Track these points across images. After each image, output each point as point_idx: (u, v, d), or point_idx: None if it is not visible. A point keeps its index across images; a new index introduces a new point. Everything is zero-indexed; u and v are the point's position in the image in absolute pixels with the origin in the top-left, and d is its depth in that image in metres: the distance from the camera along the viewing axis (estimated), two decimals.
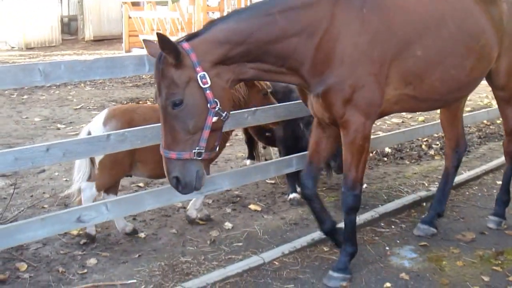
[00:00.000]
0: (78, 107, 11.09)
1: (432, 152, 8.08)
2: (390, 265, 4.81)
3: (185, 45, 3.69)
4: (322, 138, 4.58)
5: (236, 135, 8.60)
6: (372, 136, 6.88)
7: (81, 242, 5.17)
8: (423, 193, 6.24)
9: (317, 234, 5.18)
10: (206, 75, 3.69)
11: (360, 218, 5.51)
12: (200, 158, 3.77)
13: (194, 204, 5.47)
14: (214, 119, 3.76)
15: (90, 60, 4.06)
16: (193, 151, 3.74)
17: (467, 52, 4.52)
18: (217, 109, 3.74)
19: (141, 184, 6.52)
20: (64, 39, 24.35)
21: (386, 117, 9.89)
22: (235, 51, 3.79)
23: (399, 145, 8.12)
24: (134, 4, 21.08)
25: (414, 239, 5.26)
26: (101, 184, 5.00)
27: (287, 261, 4.82)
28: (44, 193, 6.45)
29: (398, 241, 5.24)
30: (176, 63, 3.61)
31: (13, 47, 22.84)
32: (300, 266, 4.75)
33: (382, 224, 5.61)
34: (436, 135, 8.27)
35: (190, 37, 3.78)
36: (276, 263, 4.78)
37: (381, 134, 7.79)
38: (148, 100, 11.65)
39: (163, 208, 5.77)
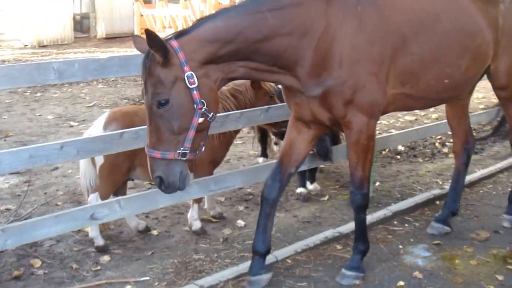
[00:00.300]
0: (90, 104, 11.13)
1: (445, 150, 8.04)
2: (404, 263, 4.79)
3: (174, 43, 3.58)
4: (296, 140, 4.43)
5: (249, 133, 8.60)
6: (385, 134, 6.99)
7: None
8: (436, 191, 6.21)
9: (330, 232, 5.19)
10: (194, 75, 3.59)
11: (373, 216, 5.50)
12: (184, 159, 3.69)
13: (192, 216, 5.36)
14: (200, 120, 3.66)
15: (104, 58, 4.06)
16: (178, 151, 3.64)
17: (462, 51, 4.48)
18: (203, 110, 3.64)
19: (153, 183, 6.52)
20: (76, 37, 24.38)
21: (399, 115, 9.87)
22: (224, 49, 3.70)
23: (412, 143, 8.08)
24: (146, 1, 21.17)
25: (428, 238, 5.24)
26: (104, 193, 4.94)
27: (300, 259, 4.82)
28: (57, 190, 6.48)
29: (411, 240, 5.22)
30: (164, 61, 3.52)
31: (26, 45, 22.92)
32: (313, 264, 4.75)
33: (395, 222, 5.59)
34: (449, 133, 8.19)
35: (178, 35, 3.67)
36: (289, 261, 4.78)
37: (394, 132, 7.76)
38: None
39: (176, 206, 5.78)
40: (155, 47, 3.47)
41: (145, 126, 4.33)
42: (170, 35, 3.72)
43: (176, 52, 3.55)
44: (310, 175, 6.26)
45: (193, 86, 3.59)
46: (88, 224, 4.41)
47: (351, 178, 4.35)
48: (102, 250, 4.96)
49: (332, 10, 3.92)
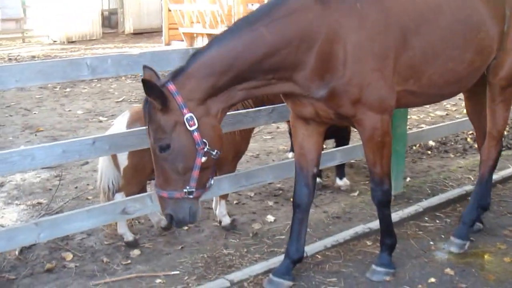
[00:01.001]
0: (119, 100, 11.22)
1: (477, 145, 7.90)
2: (435, 260, 4.73)
3: (171, 87, 3.55)
4: (305, 141, 4.35)
5: (278, 127, 8.59)
6: (415, 130, 6.90)
7: None
8: (468, 187, 6.12)
9: (361, 228, 5.15)
10: (193, 117, 3.58)
11: (404, 212, 5.45)
12: (191, 197, 3.74)
13: (221, 212, 5.35)
14: (203, 159, 3.66)
15: (136, 54, 4.09)
16: (184, 190, 3.67)
17: (465, 44, 4.37)
18: (205, 149, 3.64)
19: None
20: (104, 33, 24.64)
21: (430, 110, 9.76)
22: (221, 80, 3.66)
23: (443, 138, 7.98)
24: None
25: None
26: (129, 194, 4.88)
27: (330, 255, 4.79)
28: (88, 184, 6.54)
29: (442, 236, 5.14)
30: (162, 108, 3.54)
31: (55, 41, 23.20)
32: (343, 260, 4.72)
33: (426, 218, 5.52)
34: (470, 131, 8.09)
35: (175, 75, 3.63)
36: (319, 256, 4.75)
37: (424, 127, 7.68)
38: None
39: (206, 201, 5.78)
40: (153, 95, 3.49)
41: None
42: (168, 75, 3.68)
43: (174, 96, 3.54)
44: (339, 170, 6.23)
45: (193, 128, 3.59)
46: (120, 218, 4.45)
47: (371, 176, 4.29)
48: (132, 245, 4.98)
49: (330, 12, 3.83)
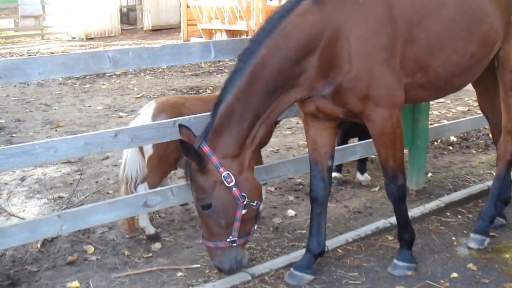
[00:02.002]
0: (139, 95, 11.25)
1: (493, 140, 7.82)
2: (457, 255, 4.69)
3: (205, 148, 3.77)
4: (317, 134, 4.33)
5: (297, 123, 8.56)
6: (437, 124, 6.83)
7: None
8: (490, 183, 6.01)
9: (382, 223, 5.12)
10: (230, 174, 3.80)
11: (426, 207, 5.41)
12: (235, 245, 3.94)
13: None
14: (244, 211, 3.87)
15: (157, 47, 4.10)
16: (228, 240, 3.90)
17: (469, 36, 4.32)
18: (245, 202, 3.85)
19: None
20: (123, 29, 24.74)
21: (451, 105, 9.68)
22: (244, 124, 3.81)
23: (465, 134, 7.91)
24: None
25: None
26: (152, 183, 4.93)
27: (351, 249, 4.77)
28: (108, 179, 6.56)
29: (464, 231, 5.10)
30: (201, 169, 3.74)
31: (74, 38, 23.35)
32: (364, 254, 4.69)
33: (448, 213, 5.48)
34: None
35: (206, 133, 3.81)
36: (340, 251, 4.73)
37: (445, 122, 7.61)
38: (208, 89, 11.73)
39: None
40: (191, 157, 3.71)
41: (198, 115, 4.41)
42: (200, 136, 3.85)
43: (209, 157, 3.76)
44: (361, 165, 6.19)
45: (231, 184, 3.82)
46: (141, 211, 4.46)
47: (384, 171, 4.26)
48: (153, 238, 4.98)
49: (330, 10, 3.82)
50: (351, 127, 5.68)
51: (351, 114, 4.08)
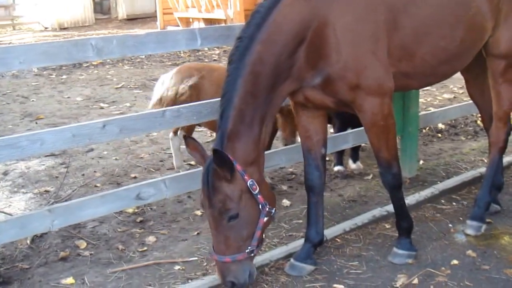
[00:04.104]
0: (119, 86, 11.06)
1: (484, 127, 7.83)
2: (455, 242, 4.66)
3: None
4: (308, 122, 4.25)
5: None
6: (426, 112, 6.79)
7: (138, 220, 5.13)
8: (483, 170, 6.00)
9: (378, 211, 5.08)
10: (254, 181, 3.66)
11: (421, 195, 5.38)
12: (252, 255, 3.79)
13: None
14: (265, 219, 3.75)
15: (142, 34, 3.99)
16: (246, 251, 3.71)
17: (456, 22, 4.27)
18: (267, 209, 3.73)
19: (192, 163, 6.43)
20: (97, 19, 24.36)
21: (437, 93, 9.67)
22: (257, 127, 3.68)
23: (453, 121, 7.89)
24: None
25: None
26: (188, 131, 5.63)
27: (349, 238, 4.71)
28: (95, 171, 6.42)
29: (460, 218, 5.07)
30: (230, 178, 3.56)
31: (46, 28, 22.93)
32: (363, 243, 4.64)
33: (443, 201, 5.44)
34: None
35: (221, 140, 3.62)
36: (338, 240, 4.67)
37: (433, 109, 7.58)
38: None
39: None
40: (226, 166, 3.49)
41: (187, 105, 4.32)
42: (216, 144, 3.67)
43: (234, 165, 3.59)
44: (353, 153, 6.14)
45: (256, 191, 3.66)
46: (134, 204, 4.34)
47: (378, 161, 4.20)
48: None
49: (314, 2, 3.75)
50: (348, 117, 5.60)
51: (342, 103, 4.01)
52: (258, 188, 3.66)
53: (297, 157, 5.06)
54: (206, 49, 15.24)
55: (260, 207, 3.70)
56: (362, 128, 5.56)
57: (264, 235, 3.91)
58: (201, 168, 4.50)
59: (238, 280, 3.72)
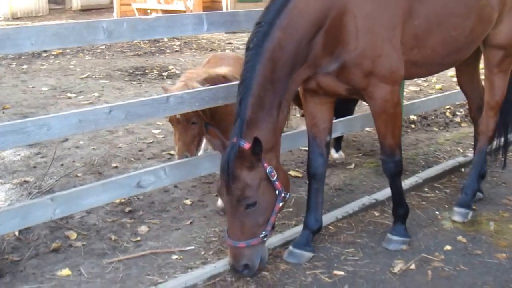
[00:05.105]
0: (83, 76, 10.82)
1: (457, 119, 8.01)
2: (444, 228, 4.77)
3: (247, 145, 3.56)
4: (316, 109, 4.31)
5: None
6: (407, 102, 6.89)
7: (126, 210, 5.05)
8: (461, 159, 6.19)
9: (367, 199, 5.15)
10: (272, 168, 3.69)
11: (405, 183, 5.44)
12: (265, 239, 3.84)
13: None
14: (280, 204, 3.79)
15: (151, 18, 3.95)
16: (261, 236, 3.74)
17: (467, 12, 4.38)
18: (283, 195, 3.76)
19: (172, 152, 6.36)
20: (51, 9, 23.65)
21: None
22: (275, 114, 3.70)
23: (423, 113, 8.03)
24: None
25: None
26: None
27: (342, 226, 4.76)
28: (74, 161, 6.29)
29: (445, 206, 5.18)
30: (253, 165, 3.58)
31: None
32: (356, 230, 4.69)
33: (426, 189, 5.56)
34: (457, 103, 8.17)
35: (240, 129, 3.59)
36: (331, 228, 4.71)
37: (405, 102, 7.69)
38: (154, 69, 11.43)
39: (203, 175, 5.63)
40: (258, 156, 3.53)
41: (190, 90, 4.28)
42: (234, 133, 3.63)
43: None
44: (336, 143, 6.18)
45: (274, 178, 3.69)
46: (134, 193, 4.27)
47: (381, 148, 4.28)
48: None
49: None
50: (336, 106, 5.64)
51: (353, 90, 4.05)
52: (276, 175, 3.68)
53: (292, 144, 5.11)
54: (165, 39, 15.09)
55: (277, 193, 3.71)
56: (350, 117, 5.67)
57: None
58: (199, 156, 4.49)
59: (251, 263, 3.75)
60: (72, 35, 3.60)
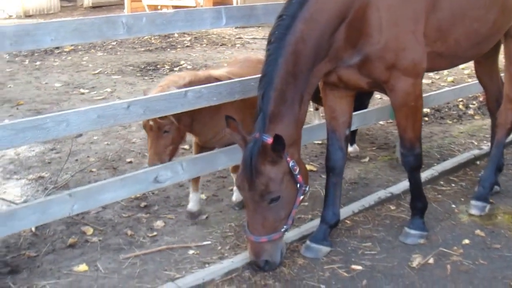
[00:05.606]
0: (96, 72, 10.83)
1: (471, 111, 7.96)
2: (462, 222, 4.73)
3: (270, 140, 3.54)
4: (335, 102, 4.29)
5: None
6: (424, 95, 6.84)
7: (142, 205, 5.05)
8: (476, 152, 6.14)
9: (383, 193, 5.12)
10: (295, 162, 3.69)
11: (421, 177, 5.37)
12: (286, 233, 3.86)
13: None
14: (301, 197, 3.80)
15: (170, 12, 3.93)
16: (282, 230, 3.75)
17: (490, 4, 4.34)
18: (303, 188, 3.77)
19: (186, 147, 6.35)
20: (62, 6, 23.71)
21: None
22: (297, 108, 3.70)
23: (436, 105, 7.98)
24: None
25: None
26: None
27: (358, 220, 4.74)
28: (88, 157, 6.30)
29: (462, 199, 5.14)
30: (276, 160, 3.57)
31: (11, 15, 22.28)
32: (372, 224, 4.67)
33: (442, 182, 5.52)
34: (470, 95, 8.11)
35: (262, 124, 3.59)
36: (348, 222, 4.69)
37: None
38: (165, 64, 11.43)
39: (218, 170, 5.62)
40: (281, 152, 3.53)
41: (208, 85, 4.25)
42: (257, 128, 3.62)
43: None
44: (351, 137, 6.14)
45: (296, 172, 3.69)
46: (152, 187, 4.26)
47: (401, 141, 4.25)
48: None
49: None
50: None
51: (374, 84, 4.02)
52: (298, 168, 3.68)
53: (306, 138, 5.04)
54: (176, 35, 15.06)
55: (298, 186, 3.71)
56: (365, 110, 5.64)
57: None
58: (216, 151, 4.47)
59: (272, 258, 3.75)
60: (91, 30, 3.59)
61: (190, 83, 4.34)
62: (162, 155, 4.34)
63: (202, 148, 4.75)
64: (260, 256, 3.73)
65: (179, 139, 4.48)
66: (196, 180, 4.74)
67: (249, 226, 3.72)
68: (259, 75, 3.76)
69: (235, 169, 4.91)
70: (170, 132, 4.32)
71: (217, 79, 4.51)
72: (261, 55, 5.45)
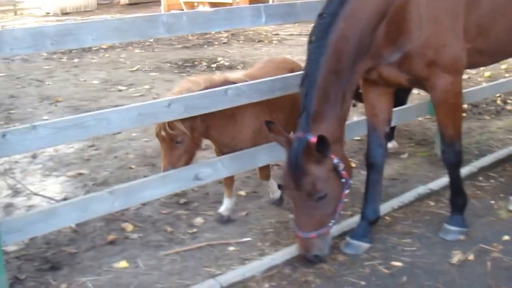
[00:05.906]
0: (134, 69, 10.97)
1: (509, 107, 7.86)
2: (501, 218, 4.69)
3: (314, 139, 3.58)
4: (376, 99, 4.28)
5: None
6: (465, 90, 6.77)
7: (181, 202, 5.10)
8: None
9: (422, 189, 5.10)
10: (339, 159, 3.73)
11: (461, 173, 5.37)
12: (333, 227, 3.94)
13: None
14: (346, 192, 3.87)
15: (210, 11, 3.98)
16: (330, 224, 3.85)
17: None
18: (349, 183, 3.84)
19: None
20: (99, 4, 24.14)
21: None
22: (339, 106, 3.73)
23: (474, 101, 7.88)
24: None
25: None
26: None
27: (398, 216, 4.72)
28: (127, 153, 6.38)
29: (501, 195, 5.08)
30: (321, 159, 3.61)
31: (48, 13, 22.69)
32: (411, 220, 4.65)
33: (481, 178, 5.47)
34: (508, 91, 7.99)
35: (306, 123, 3.64)
36: (387, 218, 4.67)
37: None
38: (203, 61, 11.51)
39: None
40: (326, 152, 3.56)
41: (248, 82, 4.29)
42: (299, 128, 3.69)
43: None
44: (389, 133, 6.11)
45: (341, 168, 3.74)
46: (192, 185, 4.31)
47: (441, 138, 4.23)
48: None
49: None
50: None
51: (415, 81, 4.01)
52: (343, 165, 3.72)
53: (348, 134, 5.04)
54: (213, 32, 15.12)
55: (343, 181, 3.76)
56: (404, 106, 5.61)
57: None
58: (256, 148, 4.50)
59: (322, 252, 3.87)
60: (132, 29, 3.65)
61: (206, 89, 4.29)
62: (176, 164, 4.30)
63: (219, 153, 4.74)
64: (310, 251, 3.84)
65: (194, 147, 4.45)
66: (229, 186, 4.74)
67: (298, 224, 3.79)
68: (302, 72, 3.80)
69: (263, 175, 4.95)
70: (183, 142, 4.29)
71: (233, 83, 4.42)
72: (297, 51, 5.44)
